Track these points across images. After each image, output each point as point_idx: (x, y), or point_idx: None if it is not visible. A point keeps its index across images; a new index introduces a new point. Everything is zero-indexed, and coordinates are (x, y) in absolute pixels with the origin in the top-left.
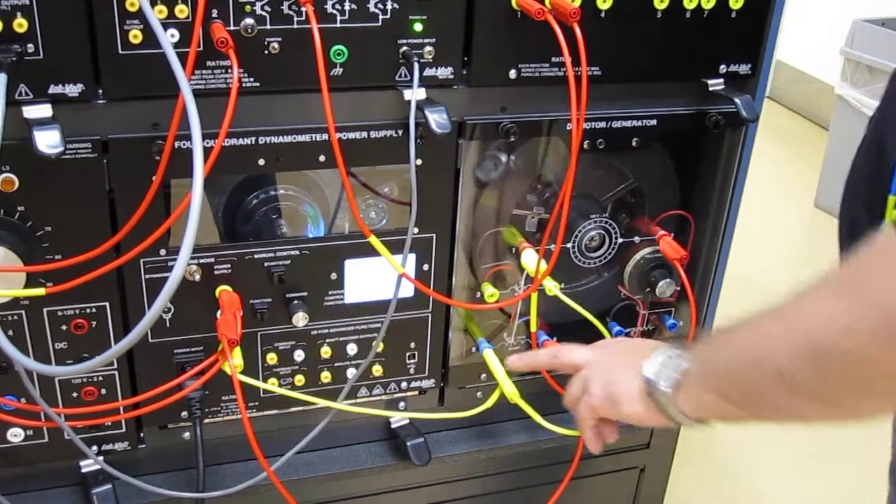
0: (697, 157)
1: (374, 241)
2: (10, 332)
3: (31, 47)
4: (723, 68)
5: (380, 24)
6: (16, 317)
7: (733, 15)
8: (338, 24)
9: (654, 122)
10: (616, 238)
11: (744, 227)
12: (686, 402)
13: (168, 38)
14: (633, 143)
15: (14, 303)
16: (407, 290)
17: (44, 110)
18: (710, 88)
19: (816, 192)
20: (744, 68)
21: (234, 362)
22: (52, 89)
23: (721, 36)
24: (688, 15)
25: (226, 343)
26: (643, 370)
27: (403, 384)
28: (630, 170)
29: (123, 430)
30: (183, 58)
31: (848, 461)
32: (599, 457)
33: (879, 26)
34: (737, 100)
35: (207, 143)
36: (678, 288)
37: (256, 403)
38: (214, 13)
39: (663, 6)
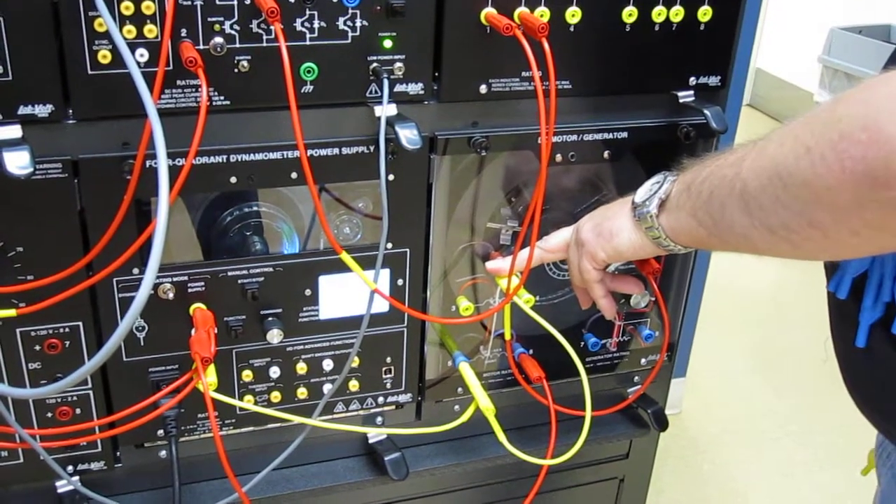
0: (670, 168)
1: (346, 257)
2: None
3: None
4: (693, 80)
5: (349, 41)
6: None
7: (702, 28)
8: (307, 42)
9: (625, 134)
10: None
11: None
12: (668, 223)
13: (134, 59)
14: (605, 156)
15: None
16: (382, 305)
17: (13, 131)
18: (681, 100)
19: None
20: (713, 80)
21: (207, 380)
22: (22, 110)
23: (690, 49)
24: (657, 28)
25: (199, 361)
26: (634, 197)
27: (380, 399)
28: (604, 182)
29: (99, 449)
30: (152, 77)
31: (833, 469)
32: (578, 468)
33: (856, 34)
34: (706, 111)
35: (178, 161)
36: (653, 299)
37: (233, 420)
38: (184, 32)
39: (632, 20)
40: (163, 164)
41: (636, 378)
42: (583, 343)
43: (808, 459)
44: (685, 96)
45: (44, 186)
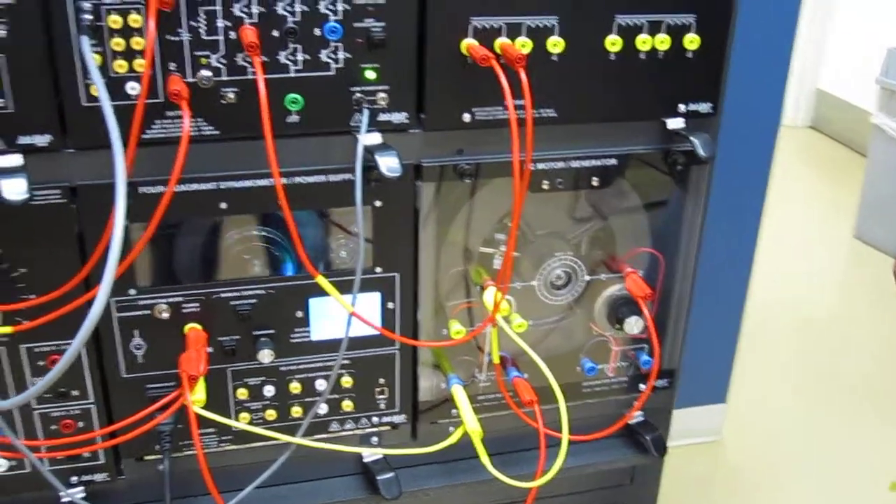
0: (665, 195)
1: (322, 281)
2: None
3: (1, 101)
4: (682, 108)
5: (333, 72)
6: None
7: (689, 55)
8: (291, 74)
9: (613, 161)
10: (583, 275)
11: (782, 256)
12: None
13: (106, 93)
14: (594, 183)
15: None
16: (371, 329)
17: (14, 160)
18: (669, 127)
19: (856, 223)
20: (704, 107)
21: (192, 398)
22: (22, 140)
23: (678, 76)
24: (642, 56)
25: (185, 379)
26: None
27: (374, 419)
28: (599, 208)
29: (102, 461)
30: (143, 109)
31: (882, 501)
32: (581, 493)
33: None
34: (693, 139)
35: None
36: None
37: (230, 437)
38: (173, 66)
39: (616, 49)
40: (121, 192)
41: (635, 404)
42: (578, 367)
43: (856, 491)
44: (675, 123)
45: (45, 211)
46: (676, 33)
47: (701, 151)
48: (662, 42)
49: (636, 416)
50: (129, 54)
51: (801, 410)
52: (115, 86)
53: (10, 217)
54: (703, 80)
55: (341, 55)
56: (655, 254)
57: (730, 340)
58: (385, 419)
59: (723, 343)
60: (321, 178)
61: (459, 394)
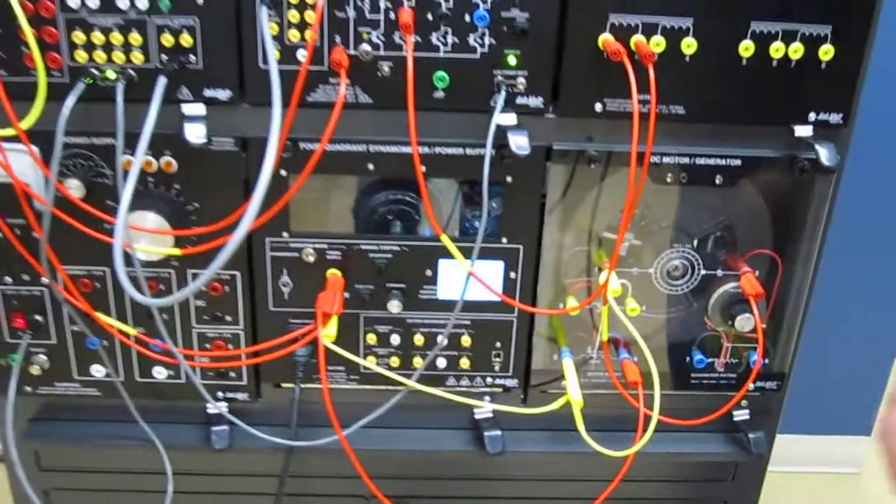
0: (791, 200)
1: (446, 239)
2: (161, 287)
3: (193, 58)
4: (812, 116)
5: (478, 56)
6: (167, 274)
7: (823, 66)
8: (441, 54)
9: (738, 162)
10: (700, 269)
11: None
12: None
13: (273, 56)
14: (717, 181)
15: (167, 263)
16: (494, 295)
17: (198, 109)
18: (797, 135)
19: None
20: (835, 118)
21: (324, 332)
22: (207, 93)
23: (810, 85)
24: (774, 64)
25: (320, 315)
26: None
27: (488, 380)
28: (721, 206)
29: (244, 382)
30: (308, 74)
31: None
32: (680, 482)
33: None
34: (818, 147)
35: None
36: (763, 325)
37: (357, 377)
38: (337, 39)
39: (748, 54)
40: (272, 145)
41: (744, 402)
42: (688, 358)
43: None
44: (803, 131)
45: (220, 157)
46: (811, 43)
47: (825, 161)
48: (796, 51)
49: (743, 414)
50: (302, 26)
51: None
52: (288, 52)
53: (191, 158)
54: (835, 91)
55: (487, 40)
56: (774, 257)
57: (882, 372)
58: (498, 381)
59: (874, 373)
60: (459, 151)
61: (569, 366)
